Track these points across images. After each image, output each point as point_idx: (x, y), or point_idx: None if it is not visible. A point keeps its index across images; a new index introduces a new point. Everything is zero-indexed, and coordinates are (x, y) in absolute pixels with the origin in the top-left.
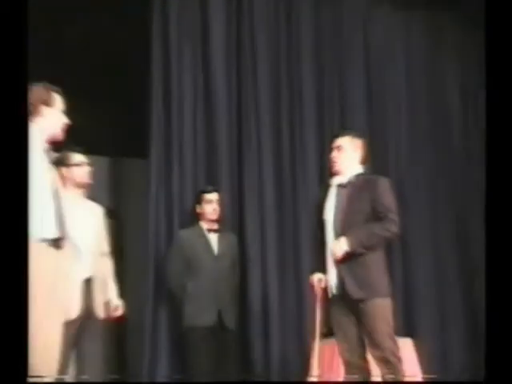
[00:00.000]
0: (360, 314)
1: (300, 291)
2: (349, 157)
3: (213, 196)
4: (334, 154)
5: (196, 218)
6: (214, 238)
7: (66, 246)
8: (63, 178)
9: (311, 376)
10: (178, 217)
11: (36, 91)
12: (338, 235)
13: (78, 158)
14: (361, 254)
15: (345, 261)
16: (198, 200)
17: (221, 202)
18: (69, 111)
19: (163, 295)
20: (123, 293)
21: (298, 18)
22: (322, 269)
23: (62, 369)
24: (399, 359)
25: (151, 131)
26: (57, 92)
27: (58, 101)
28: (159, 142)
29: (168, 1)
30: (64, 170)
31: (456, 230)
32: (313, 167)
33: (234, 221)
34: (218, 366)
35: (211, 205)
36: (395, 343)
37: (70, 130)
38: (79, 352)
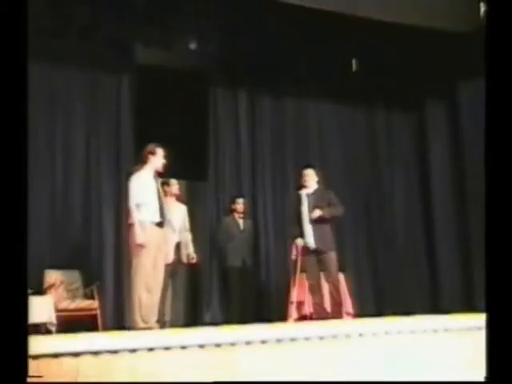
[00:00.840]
0: (322, 258)
1: (286, 248)
2: (311, 180)
3: (240, 200)
4: (305, 178)
5: (231, 211)
6: (240, 221)
7: (165, 226)
8: (165, 192)
9: (291, 299)
10: (222, 210)
11: (148, 147)
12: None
13: (172, 181)
14: (322, 224)
15: (316, 224)
16: (233, 202)
17: (244, 203)
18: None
19: (216, 251)
20: (196, 249)
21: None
22: (301, 235)
23: (162, 306)
24: (338, 281)
25: (208, 167)
26: (157, 146)
27: (160, 151)
28: (212, 173)
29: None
30: (166, 187)
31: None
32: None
33: (250, 213)
34: (242, 285)
35: (239, 204)
36: (337, 273)
37: (167, 166)
38: (173, 287)
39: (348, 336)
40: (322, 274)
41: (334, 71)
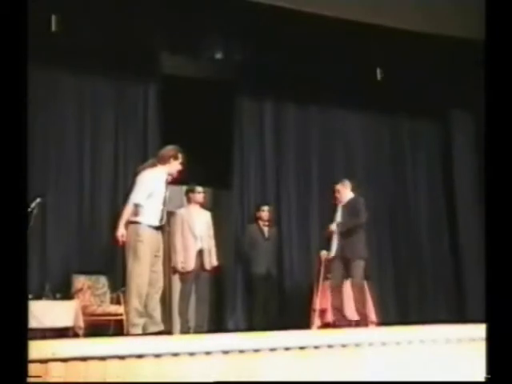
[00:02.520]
0: (349, 266)
1: (309, 256)
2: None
3: (265, 207)
4: (337, 194)
5: (256, 218)
6: (265, 229)
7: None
8: (190, 199)
9: (314, 307)
10: (247, 218)
11: (169, 149)
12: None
13: (198, 188)
14: (350, 233)
15: (344, 237)
16: (258, 209)
17: (270, 211)
18: (190, 163)
19: (240, 258)
20: (220, 256)
21: None
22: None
23: (184, 312)
24: (364, 288)
25: (233, 176)
26: (180, 151)
27: (180, 156)
28: (237, 181)
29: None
30: (191, 194)
31: None
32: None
33: (275, 220)
34: (266, 292)
35: (264, 212)
36: (362, 281)
37: (191, 173)
38: (196, 293)
39: (371, 344)
40: (347, 281)
41: (358, 80)
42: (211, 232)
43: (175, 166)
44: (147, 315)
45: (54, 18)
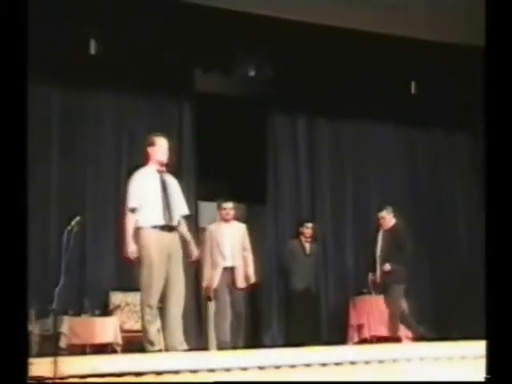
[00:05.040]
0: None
1: (345, 271)
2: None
3: (309, 224)
4: (380, 221)
5: (298, 234)
6: (307, 245)
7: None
8: (220, 215)
9: (351, 323)
10: (281, 233)
11: (147, 138)
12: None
13: (225, 204)
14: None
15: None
16: (301, 225)
17: (313, 227)
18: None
19: (276, 273)
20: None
21: None
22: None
23: (219, 328)
24: (399, 308)
25: (267, 191)
26: (156, 136)
27: (157, 140)
28: (272, 197)
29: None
30: (220, 210)
31: None
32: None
33: (318, 237)
34: (304, 308)
35: (308, 229)
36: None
37: (225, 188)
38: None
39: (409, 360)
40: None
41: (392, 94)
42: (247, 244)
43: (159, 153)
44: (169, 334)
45: (92, 41)
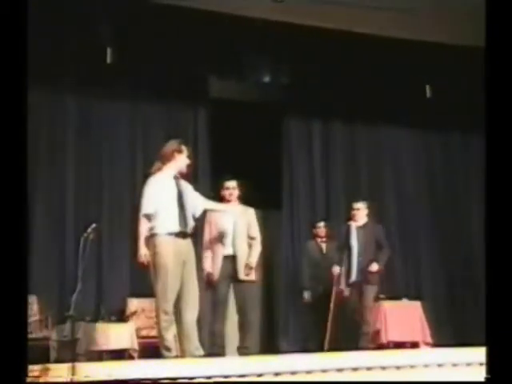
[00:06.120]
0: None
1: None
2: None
3: (321, 224)
4: (354, 212)
5: (314, 236)
6: (323, 245)
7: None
8: (224, 195)
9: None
10: (297, 237)
11: (171, 144)
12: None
13: (227, 184)
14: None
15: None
16: (314, 227)
17: (326, 226)
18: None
19: (293, 277)
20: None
21: None
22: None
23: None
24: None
25: (283, 196)
26: (183, 143)
27: (184, 149)
28: (287, 200)
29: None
30: (222, 191)
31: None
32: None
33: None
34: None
35: (320, 228)
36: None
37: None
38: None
39: (426, 366)
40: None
41: (407, 98)
42: (254, 233)
43: (182, 161)
44: (184, 340)
45: (109, 50)
